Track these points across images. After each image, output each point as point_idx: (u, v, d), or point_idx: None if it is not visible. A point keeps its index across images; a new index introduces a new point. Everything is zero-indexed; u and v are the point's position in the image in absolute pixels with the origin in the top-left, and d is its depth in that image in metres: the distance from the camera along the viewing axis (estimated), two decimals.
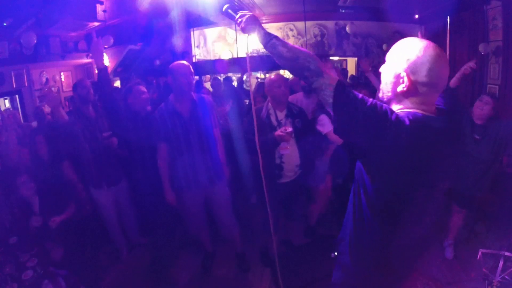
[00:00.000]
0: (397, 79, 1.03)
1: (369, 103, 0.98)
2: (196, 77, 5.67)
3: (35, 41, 4.29)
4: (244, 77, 6.73)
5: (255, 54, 7.42)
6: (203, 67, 6.07)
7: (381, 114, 0.97)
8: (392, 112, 0.98)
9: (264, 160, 2.38)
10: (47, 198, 2.39)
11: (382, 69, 1.10)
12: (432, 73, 0.98)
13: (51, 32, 4.77)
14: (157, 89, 5.04)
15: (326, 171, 2.96)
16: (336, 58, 7.57)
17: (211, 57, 7.94)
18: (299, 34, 7.72)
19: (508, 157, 2.79)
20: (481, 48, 4.53)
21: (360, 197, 1.12)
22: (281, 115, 2.34)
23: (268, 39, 1.13)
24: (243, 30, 1.19)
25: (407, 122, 0.96)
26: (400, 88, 1.03)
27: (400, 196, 1.04)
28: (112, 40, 5.42)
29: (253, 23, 1.18)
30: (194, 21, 6.40)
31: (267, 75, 6.89)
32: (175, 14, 4.82)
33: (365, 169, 1.08)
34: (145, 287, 2.52)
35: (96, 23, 5.11)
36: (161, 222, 2.66)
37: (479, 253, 2.25)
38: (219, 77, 5.55)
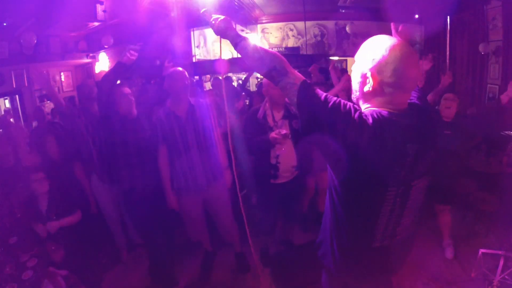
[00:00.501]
0: (364, 78, 1.02)
1: (331, 102, 0.98)
2: (196, 77, 5.67)
3: (35, 41, 4.30)
4: (243, 77, 6.73)
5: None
6: (203, 67, 6.07)
7: (344, 113, 0.96)
8: (356, 110, 0.97)
9: (260, 160, 2.39)
10: (55, 199, 2.39)
11: (352, 67, 1.09)
12: (397, 74, 0.95)
13: (51, 32, 4.77)
14: (157, 89, 5.04)
15: (324, 171, 2.96)
16: (336, 58, 7.56)
17: (211, 57, 7.93)
18: (299, 34, 7.71)
19: (508, 157, 2.79)
20: (481, 48, 4.53)
21: (333, 198, 1.10)
22: (279, 115, 2.33)
23: (238, 40, 1.15)
24: (216, 32, 1.24)
25: (370, 120, 0.94)
26: (366, 88, 1.01)
27: (371, 196, 1.01)
28: (112, 40, 5.42)
29: (224, 25, 1.21)
30: (194, 21, 6.40)
31: None
32: (175, 14, 4.81)
33: (331, 169, 1.06)
34: (145, 287, 2.53)
35: (96, 23, 5.11)
36: (161, 223, 2.66)
37: (479, 253, 2.25)
38: (220, 77, 5.54)
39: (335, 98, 1.00)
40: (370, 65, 0.99)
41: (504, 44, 4.21)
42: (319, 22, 7.42)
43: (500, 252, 2.18)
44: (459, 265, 2.52)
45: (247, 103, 4.52)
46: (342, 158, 0.96)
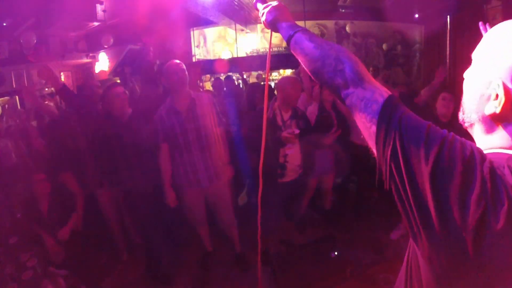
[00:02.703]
0: (488, 91, 0.59)
1: (440, 141, 0.52)
2: None
3: (35, 41, 4.30)
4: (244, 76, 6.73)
5: (255, 54, 7.42)
6: (203, 67, 6.08)
7: (463, 167, 0.50)
8: (483, 159, 0.51)
9: (267, 159, 2.39)
10: (55, 200, 2.40)
11: (467, 74, 0.68)
12: None
13: (51, 32, 4.77)
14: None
15: (326, 171, 2.97)
16: None
17: (211, 57, 7.94)
18: None
19: None
20: None
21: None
22: (287, 115, 2.36)
23: (292, 32, 0.83)
24: (266, 26, 0.96)
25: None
26: (489, 109, 0.59)
27: None
28: (112, 40, 5.42)
29: (273, 16, 0.91)
30: (194, 21, 6.40)
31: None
32: (175, 14, 4.81)
33: (426, 260, 0.58)
34: (145, 287, 2.53)
35: (96, 23, 5.11)
36: (160, 222, 2.65)
37: None
38: (221, 77, 5.55)
39: (444, 131, 0.55)
40: (502, 72, 0.57)
41: None
42: (319, 22, 7.43)
43: None
44: None
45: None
46: (450, 242, 0.51)
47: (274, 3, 0.95)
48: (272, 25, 0.92)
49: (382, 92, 0.63)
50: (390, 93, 0.63)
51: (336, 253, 2.45)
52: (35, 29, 4.28)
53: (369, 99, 0.63)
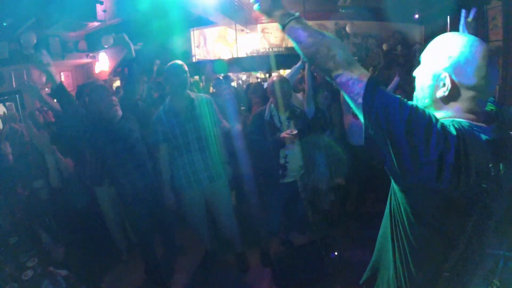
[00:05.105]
0: (437, 82, 0.86)
1: (409, 108, 0.78)
2: (196, 77, 5.67)
3: (35, 41, 4.30)
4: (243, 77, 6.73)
5: (255, 54, 7.42)
6: (203, 67, 6.08)
7: (426, 122, 0.77)
8: (436, 119, 0.79)
9: (268, 161, 2.40)
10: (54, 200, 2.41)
11: (416, 72, 0.94)
12: (480, 74, 0.81)
13: (51, 32, 4.78)
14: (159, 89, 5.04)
15: (327, 171, 2.97)
16: None
17: (211, 57, 7.94)
18: None
19: None
20: None
21: (398, 227, 0.94)
22: (284, 116, 2.35)
23: (286, 20, 0.95)
24: (261, 11, 1.02)
25: (454, 131, 0.77)
26: (440, 93, 0.85)
27: (449, 226, 0.84)
28: (112, 40, 5.43)
29: (270, 3, 1.00)
30: (194, 21, 6.41)
31: (267, 75, 6.90)
32: (175, 14, 4.82)
33: (403, 194, 0.87)
34: (145, 287, 2.53)
35: (96, 23, 5.11)
36: (157, 224, 2.65)
37: None
38: (221, 77, 5.55)
39: (411, 102, 0.82)
40: (446, 65, 0.84)
41: (504, 44, 4.21)
42: (319, 22, 7.43)
43: (500, 252, 2.18)
44: None
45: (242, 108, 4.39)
46: (417, 179, 0.78)
47: None
48: (267, 13, 1.02)
49: (365, 74, 0.84)
50: (370, 74, 0.85)
51: (336, 253, 2.45)
52: (35, 29, 4.29)
53: (356, 79, 0.84)
